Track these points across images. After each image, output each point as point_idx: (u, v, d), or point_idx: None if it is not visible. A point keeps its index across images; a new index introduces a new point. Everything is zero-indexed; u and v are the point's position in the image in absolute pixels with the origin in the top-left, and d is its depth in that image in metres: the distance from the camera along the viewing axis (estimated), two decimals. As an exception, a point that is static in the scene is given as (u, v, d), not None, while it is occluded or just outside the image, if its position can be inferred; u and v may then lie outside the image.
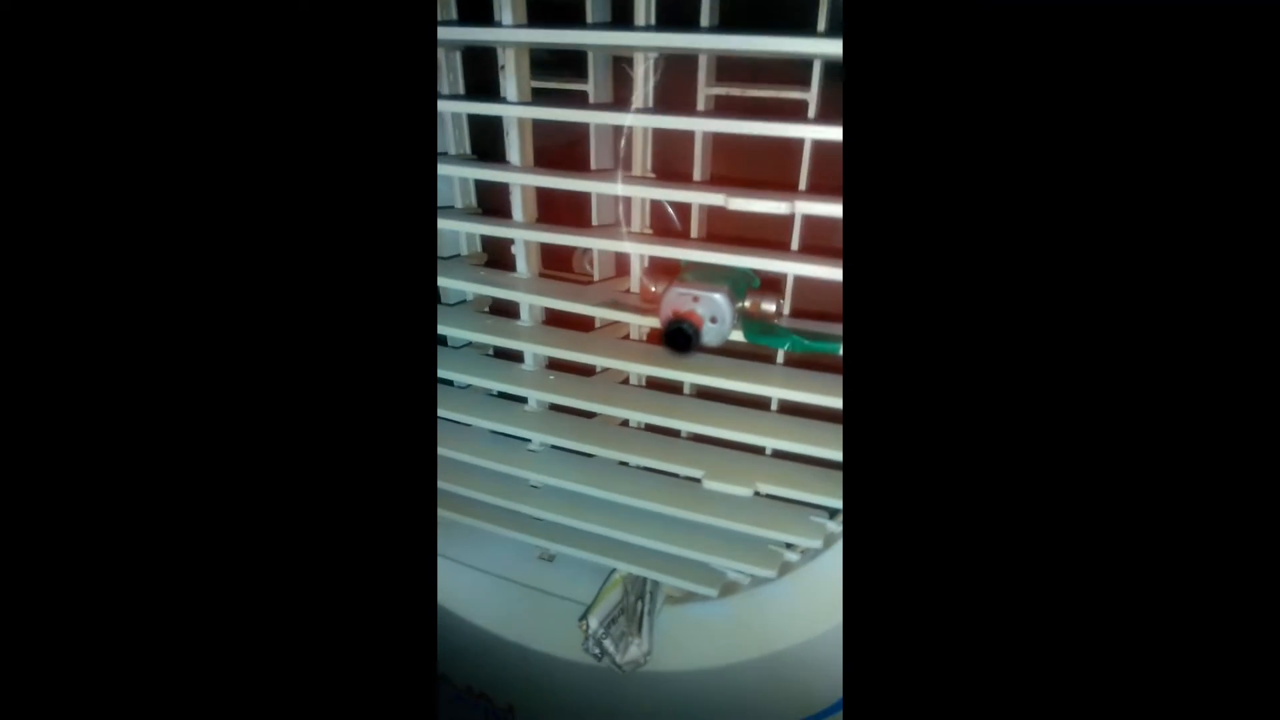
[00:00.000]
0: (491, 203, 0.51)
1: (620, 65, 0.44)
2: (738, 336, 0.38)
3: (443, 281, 0.46)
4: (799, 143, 0.39)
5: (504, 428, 0.48)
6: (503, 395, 0.50)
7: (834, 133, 0.35)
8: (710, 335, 0.36)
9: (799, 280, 0.43)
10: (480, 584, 0.56)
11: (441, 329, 0.47)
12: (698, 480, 0.43)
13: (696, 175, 0.43)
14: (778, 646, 0.48)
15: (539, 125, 0.48)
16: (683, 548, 0.46)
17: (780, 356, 0.44)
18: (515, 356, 0.49)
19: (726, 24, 0.39)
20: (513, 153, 0.43)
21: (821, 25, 0.37)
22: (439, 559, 0.56)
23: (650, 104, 0.41)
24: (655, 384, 0.48)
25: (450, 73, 0.46)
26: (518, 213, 0.44)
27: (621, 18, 0.41)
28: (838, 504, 0.43)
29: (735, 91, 0.41)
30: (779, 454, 0.45)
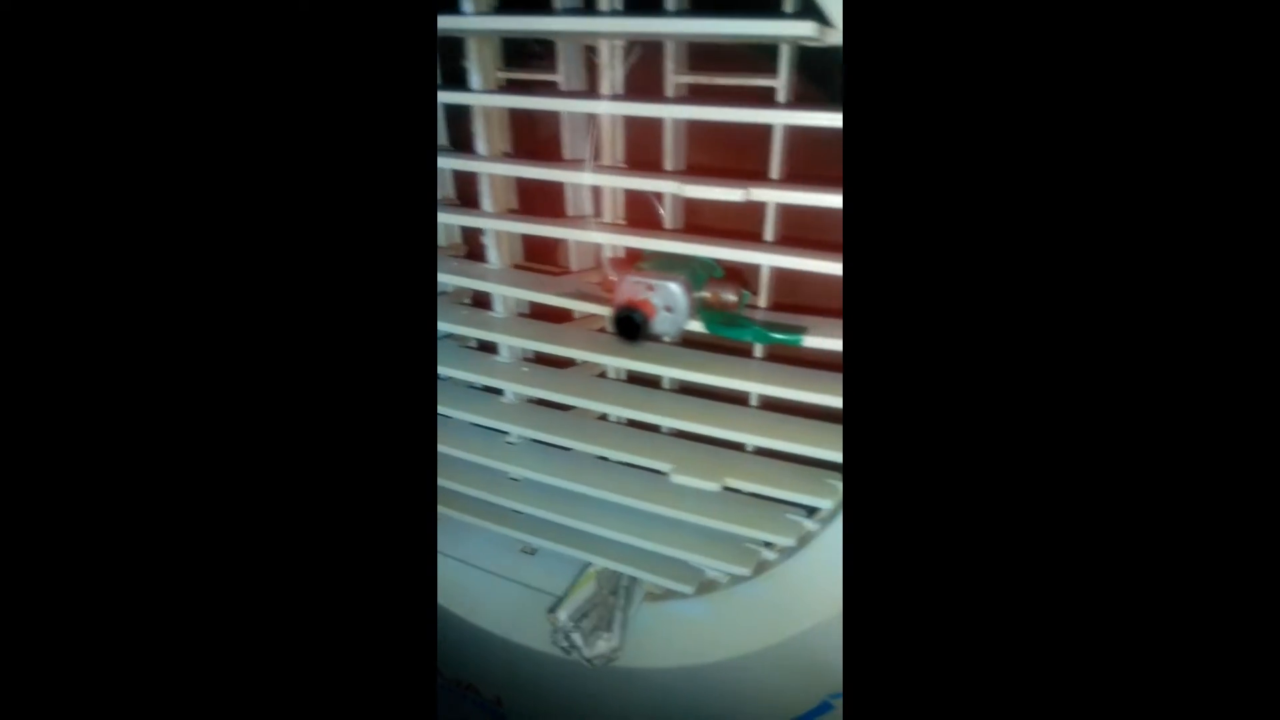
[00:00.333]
0: (470, 194, 0.51)
1: (591, 56, 0.43)
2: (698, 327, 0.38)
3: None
4: (771, 131, 0.39)
5: (480, 420, 0.48)
6: (488, 389, 0.50)
7: (801, 118, 0.34)
8: (665, 324, 0.35)
9: (779, 273, 0.42)
10: (463, 575, 0.56)
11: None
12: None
13: (668, 165, 0.42)
14: (756, 645, 0.47)
15: (516, 118, 0.48)
16: (658, 543, 0.46)
17: (758, 350, 0.44)
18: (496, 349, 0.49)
19: (694, 8, 0.39)
20: (479, 143, 0.42)
21: (789, 6, 0.36)
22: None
23: (619, 92, 0.40)
24: (638, 378, 0.48)
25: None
26: (486, 203, 0.44)
27: (590, 5, 0.40)
28: (815, 502, 0.42)
29: (704, 80, 0.40)
30: (763, 451, 0.44)
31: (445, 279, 0.46)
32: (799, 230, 0.41)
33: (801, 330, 0.36)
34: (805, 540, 0.44)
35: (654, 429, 0.46)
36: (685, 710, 0.52)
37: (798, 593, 0.45)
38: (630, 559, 0.47)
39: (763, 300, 0.43)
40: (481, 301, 0.49)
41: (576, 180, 0.37)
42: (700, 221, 0.44)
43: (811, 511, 0.44)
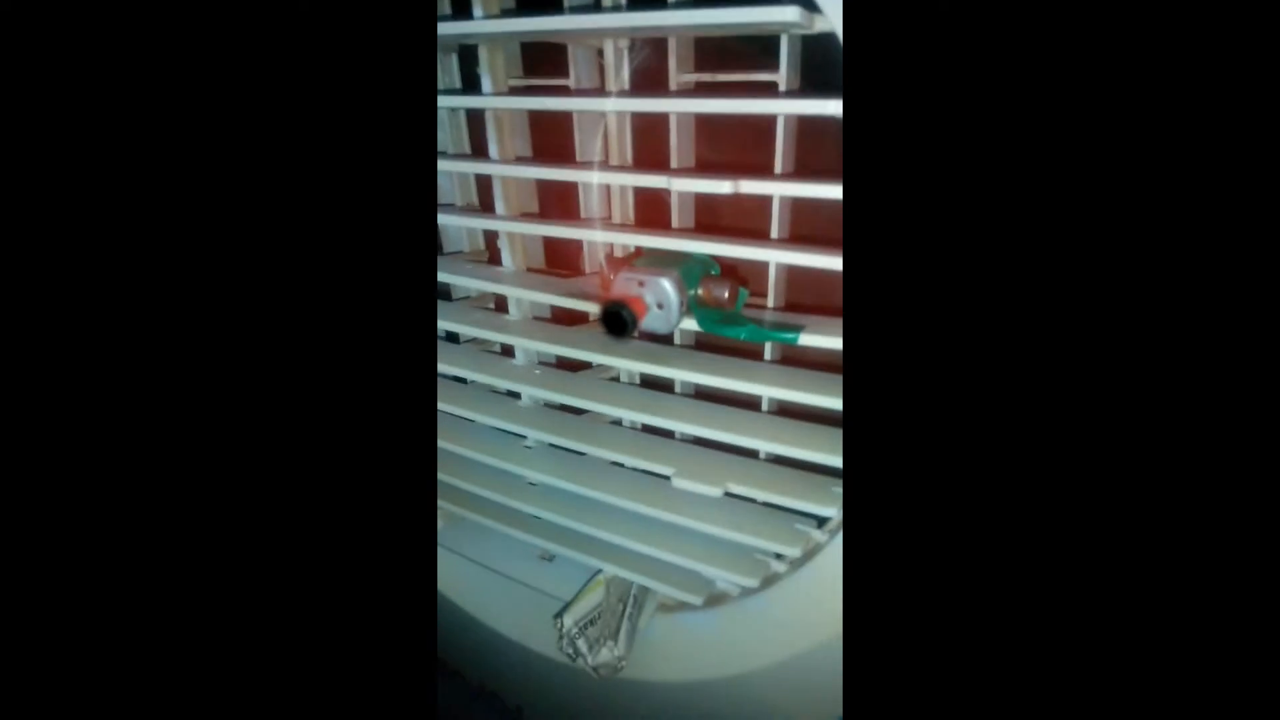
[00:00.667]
0: (489, 198, 0.52)
1: (602, 59, 0.43)
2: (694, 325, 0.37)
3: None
4: (774, 125, 0.38)
5: (495, 422, 0.49)
6: (511, 392, 0.51)
7: (799, 106, 0.33)
8: (657, 322, 0.35)
9: (792, 272, 0.41)
10: (483, 579, 0.56)
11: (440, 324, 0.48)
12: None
13: (674, 163, 0.42)
14: (766, 661, 0.45)
15: (534, 124, 0.48)
16: (665, 551, 0.45)
17: (769, 353, 0.42)
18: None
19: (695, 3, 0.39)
20: (492, 146, 0.43)
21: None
22: (445, 551, 0.56)
23: (625, 90, 0.41)
24: (651, 381, 0.47)
25: (445, 73, 0.48)
26: (500, 206, 0.45)
27: (597, 4, 0.41)
28: (821, 511, 0.40)
29: (706, 77, 0.40)
30: (779, 459, 0.42)
31: (461, 282, 0.46)
32: (814, 228, 0.40)
33: (798, 328, 0.35)
34: (814, 552, 0.42)
35: (669, 434, 0.46)
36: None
37: (805, 607, 0.43)
38: (638, 566, 0.47)
39: (771, 299, 0.42)
40: (503, 305, 0.50)
41: (572, 178, 0.37)
42: (717, 221, 0.43)
43: (822, 522, 0.42)
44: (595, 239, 0.40)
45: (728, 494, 0.42)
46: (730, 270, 0.38)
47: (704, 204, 0.44)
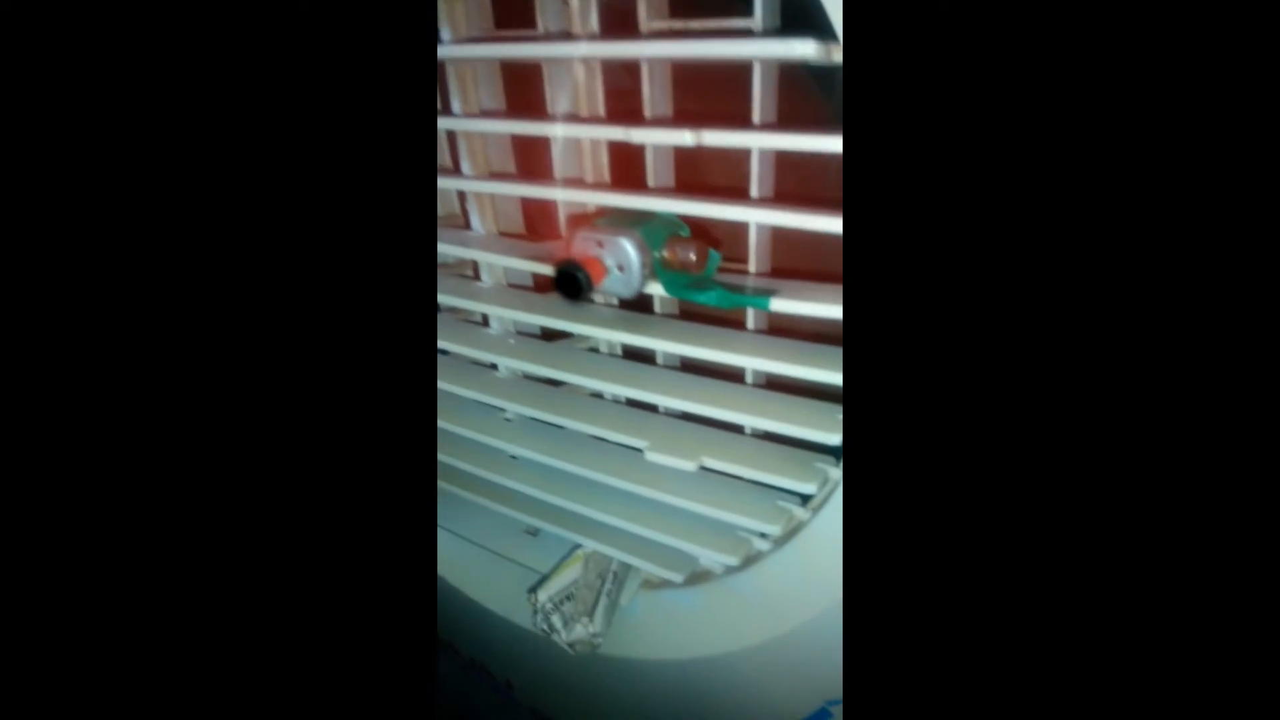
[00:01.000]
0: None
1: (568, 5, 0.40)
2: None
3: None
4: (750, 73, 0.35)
5: (471, 394, 0.47)
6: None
7: (773, 48, 0.31)
8: (617, 284, 0.33)
9: (778, 234, 0.38)
10: (469, 553, 0.55)
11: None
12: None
13: (648, 115, 0.39)
14: (751, 640, 0.44)
15: (507, 77, 0.46)
16: (644, 527, 0.43)
17: (750, 321, 0.40)
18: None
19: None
20: (454, 101, 0.41)
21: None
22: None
23: (589, 36, 0.38)
24: (631, 351, 0.45)
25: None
26: (465, 165, 0.42)
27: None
28: (800, 487, 0.38)
29: (678, 24, 0.37)
30: (765, 433, 0.40)
31: (429, 246, 0.44)
32: (803, 186, 0.37)
33: (770, 293, 0.32)
34: (797, 530, 0.40)
35: (654, 407, 0.44)
36: (682, 705, 0.49)
37: (789, 585, 0.41)
38: (618, 542, 0.45)
39: (752, 263, 0.39)
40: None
41: (523, 131, 0.35)
42: (705, 180, 0.40)
43: (806, 499, 0.40)
44: (555, 197, 0.37)
45: (706, 469, 0.39)
46: (702, 231, 0.36)
47: (686, 162, 0.41)
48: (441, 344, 0.46)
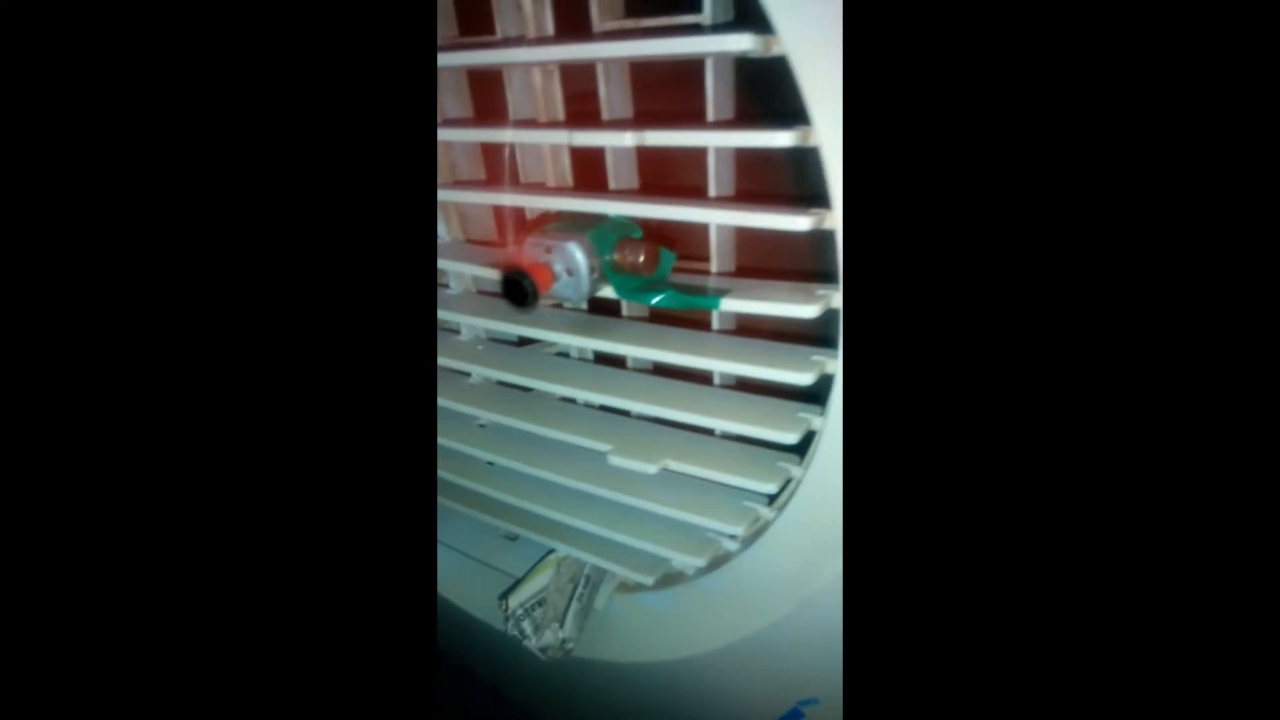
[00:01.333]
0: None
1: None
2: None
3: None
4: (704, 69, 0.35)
5: (444, 402, 0.47)
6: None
7: (724, 42, 0.30)
8: (567, 289, 0.32)
9: (735, 233, 0.38)
10: (452, 560, 0.55)
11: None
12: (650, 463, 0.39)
13: (605, 114, 0.39)
14: (721, 641, 0.43)
15: (474, 83, 0.46)
16: (611, 530, 0.43)
17: (715, 321, 0.40)
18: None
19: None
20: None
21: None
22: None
23: (538, 39, 0.38)
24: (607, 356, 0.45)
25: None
26: (427, 172, 0.42)
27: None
28: (760, 487, 0.37)
29: (630, 24, 0.37)
30: (741, 436, 0.40)
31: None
32: (767, 186, 0.37)
33: (723, 292, 0.32)
34: (763, 529, 0.39)
35: (624, 411, 0.43)
36: (659, 708, 0.48)
37: (758, 585, 0.40)
38: (588, 545, 0.45)
39: (715, 263, 0.39)
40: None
41: (469, 139, 0.35)
42: (678, 181, 0.40)
43: (773, 499, 0.40)
44: (508, 203, 0.37)
45: (674, 471, 0.39)
46: (655, 233, 0.36)
47: (653, 162, 0.41)
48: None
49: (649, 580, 0.43)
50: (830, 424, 0.34)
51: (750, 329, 0.39)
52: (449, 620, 0.58)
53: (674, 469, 0.38)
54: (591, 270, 0.32)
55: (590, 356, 0.45)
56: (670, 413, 0.38)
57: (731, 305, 0.33)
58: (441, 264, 0.43)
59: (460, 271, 0.44)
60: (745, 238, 0.38)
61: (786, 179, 0.36)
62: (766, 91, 0.34)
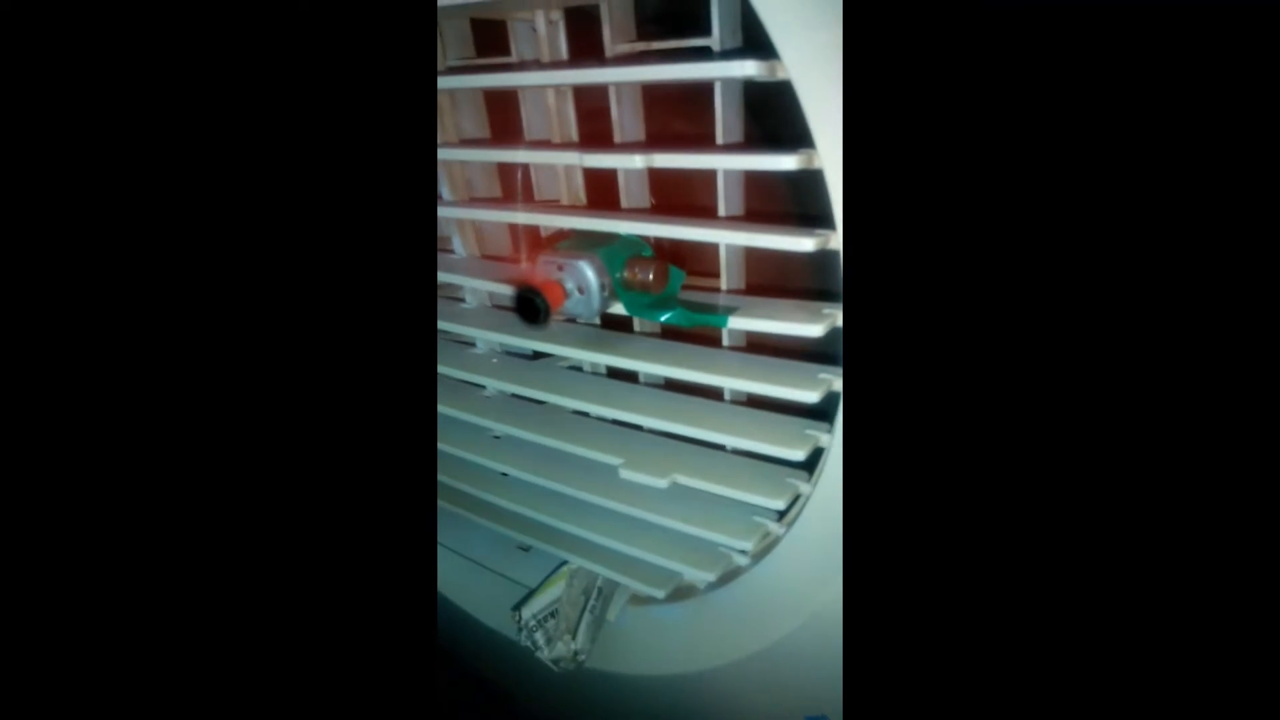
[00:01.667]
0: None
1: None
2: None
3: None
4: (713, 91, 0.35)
5: (457, 413, 0.48)
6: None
7: (732, 69, 0.31)
8: (579, 306, 0.33)
9: (745, 252, 0.39)
10: (466, 570, 0.56)
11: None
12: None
13: (618, 138, 0.40)
14: (733, 656, 0.44)
15: (490, 103, 0.47)
16: (623, 543, 0.43)
17: (726, 338, 0.40)
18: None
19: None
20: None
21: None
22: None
23: (554, 63, 0.39)
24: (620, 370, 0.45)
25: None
26: (445, 190, 0.43)
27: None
28: (769, 503, 0.38)
29: (640, 46, 0.38)
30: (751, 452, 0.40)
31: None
32: (777, 205, 0.38)
33: (730, 311, 0.33)
34: (773, 545, 0.40)
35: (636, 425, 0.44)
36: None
37: (768, 600, 0.41)
38: (600, 558, 0.45)
39: (724, 281, 0.39)
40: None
41: (483, 159, 0.36)
42: (690, 200, 0.41)
43: (783, 514, 0.40)
44: (521, 220, 0.38)
45: (686, 486, 0.40)
46: (665, 251, 0.36)
47: (667, 182, 0.42)
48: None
49: (661, 593, 0.43)
50: (837, 441, 0.34)
51: (760, 345, 0.39)
52: (463, 628, 0.59)
53: (684, 484, 0.38)
54: (602, 288, 0.33)
55: (603, 371, 0.46)
56: (680, 428, 0.38)
57: (739, 323, 0.33)
58: (457, 279, 0.44)
59: (476, 287, 0.45)
60: (755, 256, 0.39)
61: (796, 198, 0.37)
62: (776, 113, 0.35)
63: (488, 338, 0.45)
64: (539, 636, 0.44)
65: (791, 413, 0.37)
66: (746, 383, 0.34)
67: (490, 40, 0.44)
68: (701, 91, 0.36)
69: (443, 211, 0.43)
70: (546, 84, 0.37)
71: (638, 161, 0.31)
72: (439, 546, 0.56)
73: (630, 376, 0.43)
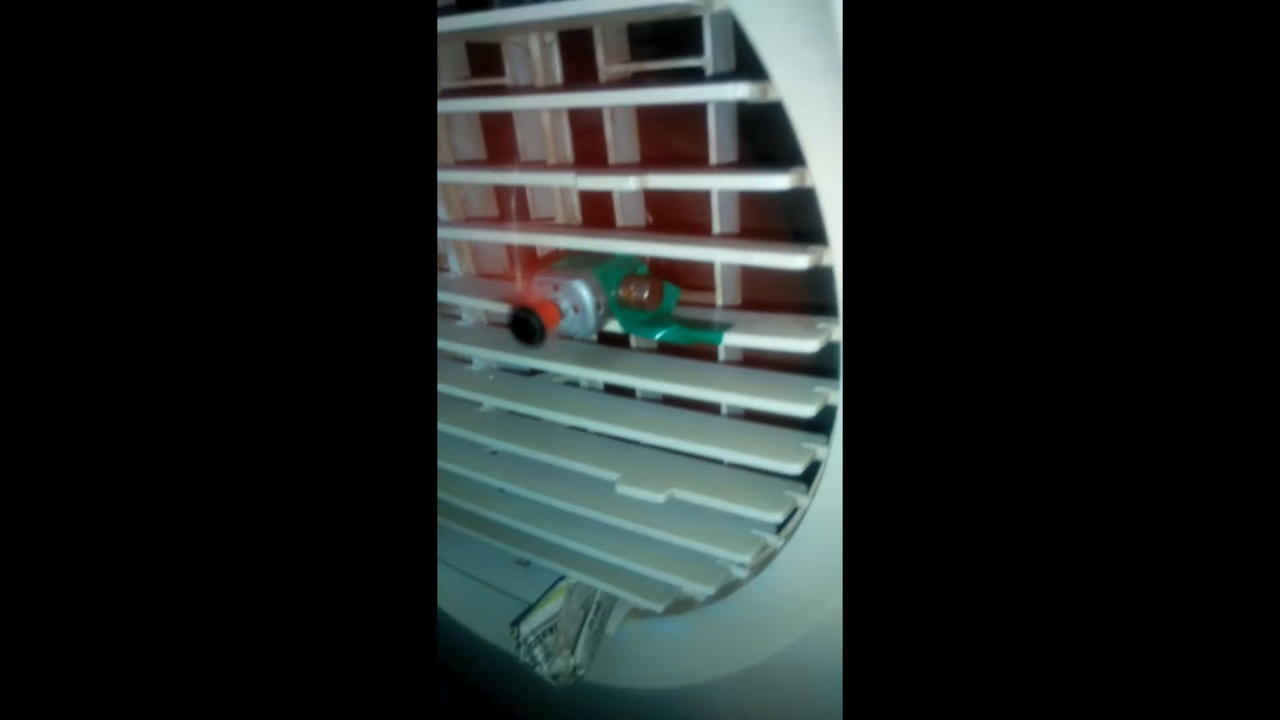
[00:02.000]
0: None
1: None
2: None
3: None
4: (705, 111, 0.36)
5: (454, 430, 0.48)
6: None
7: (723, 90, 0.31)
8: (574, 325, 0.34)
9: (740, 270, 0.39)
10: (465, 585, 0.56)
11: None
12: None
13: (612, 159, 0.40)
14: (731, 669, 0.44)
15: (486, 124, 0.48)
16: (620, 557, 0.44)
17: (721, 353, 0.41)
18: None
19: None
20: (428, 150, 0.42)
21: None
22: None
23: (548, 86, 0.39)
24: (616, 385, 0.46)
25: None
26: (441, 210, 0.44)
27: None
28: (766, 516, 0.38)
29: (634, 67, 0.38)
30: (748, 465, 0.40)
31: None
32: (770, 222, 0.38)
33: (725, 327, 0.33)
34: (771, 558, 0.40)
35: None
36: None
37: (766, 613, 0.41)
38: (598, 572, 0.45)
39: (720, 298, 0.40)
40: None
41: (476, 181, 0.36)
42: (685, 219, 0.41)
43: (780, 527, 0.40)
44: (515, 241, 0.38)
45: (682, 500, 0.40)
46: (660, 268, 0.37)
47: (662, 200, 0.42)
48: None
49: (659, 607, 0.44)
50: (834, 454, 0.35)
51: (756, 360, 0.40)
52: (463, 644, 0.59)
53: (682, 498, 0.39)
54: (598, 307, 0.34)
55: (600, 386, 0.46)
56: (677, 443, 0.38)
57: (734, 340, 0.34)
58: (454, 298, 0.45)
59: (472, 305, 0.45)
60: (749, 271, 0.39)
61: (789, 215, 0.37)
62: (769, 131, 0.35)
63: (484, 355, 0.45)
64: (538, 652, 0.44)
65: (787, 426, 0.38)
66: (743, 397, 0.35)
67: (485, 61, 0.44)
68: (695, 110, 0.36)
69: (439, 232, 0.43)
70: (542, 108, 0.38)
71: (632, 184, 0.32)
72: (438, 562, 0.56)
73: (627, 392, 0.44)
